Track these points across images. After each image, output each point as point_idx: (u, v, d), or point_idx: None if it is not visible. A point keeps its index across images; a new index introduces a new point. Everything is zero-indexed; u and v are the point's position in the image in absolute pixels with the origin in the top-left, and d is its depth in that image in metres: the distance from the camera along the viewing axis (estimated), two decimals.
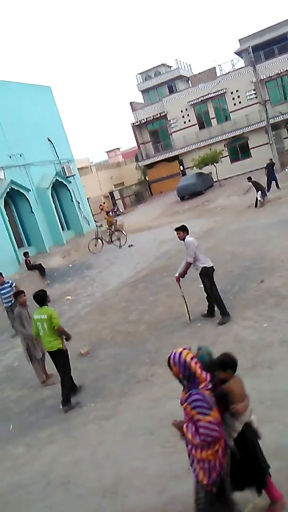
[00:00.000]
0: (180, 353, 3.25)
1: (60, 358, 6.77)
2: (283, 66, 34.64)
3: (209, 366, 3.36)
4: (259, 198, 19.78)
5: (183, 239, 8.02)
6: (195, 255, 7.87)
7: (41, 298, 6.92)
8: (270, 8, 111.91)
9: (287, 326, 6.85)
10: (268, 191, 21.81)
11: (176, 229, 8.17)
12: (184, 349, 3.30)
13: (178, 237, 8.13)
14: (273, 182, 22.85)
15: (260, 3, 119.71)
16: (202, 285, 8.30)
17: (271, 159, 24.47)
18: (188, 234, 8.07)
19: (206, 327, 7.81)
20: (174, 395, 5.89)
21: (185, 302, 8.41)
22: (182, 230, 8.07)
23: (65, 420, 6.32)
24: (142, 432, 5.32)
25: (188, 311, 8.37)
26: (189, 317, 8.32)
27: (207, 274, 8.01)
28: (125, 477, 4.60)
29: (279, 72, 34.87)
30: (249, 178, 21.07)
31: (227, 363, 3.52)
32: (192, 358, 3.23)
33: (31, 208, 18.75)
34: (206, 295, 8.28)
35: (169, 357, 3.27)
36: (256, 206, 19.78)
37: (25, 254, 16.52)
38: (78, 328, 10.40)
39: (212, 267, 8.11)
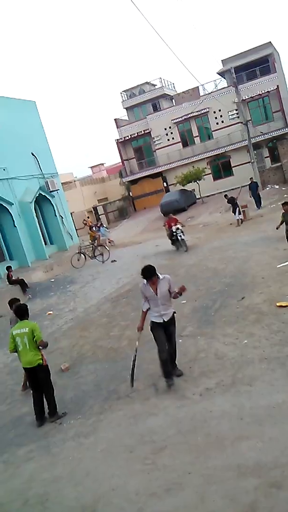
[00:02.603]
0: None
1: (42, 373, 6.63)
2: (265, 87, 35.47)
3: None
4: (236, 218, 20.07)
5: (155, 281, 6.34)
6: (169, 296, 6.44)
7: (23, 312, 6.79)
8: (253, 31, 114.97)
9: (267, 343, 6.92)
10: (258, 208, 22.30)
11: (147, 275, 6.32)
12: None
13: (151, 282, 6.35)
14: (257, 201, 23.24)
15: (242, 25, 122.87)
16: (158, 339, 6.50)
17: (252, 178, 24.85)
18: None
19: (187, 343, 7.83)
20: (155, 411, 5.92)
21: (135, 359, 6.80)
22: (153, 273, 6.32)
23: (43, 437, 6.23)
24: (122, 449, 5.29)
25: (133, 372, 6.75)
26: (133, 382, 6.71)
27: (175, 320, 6.71)
28: (104, 495, 4.55)
29: (260, 93, 35.68)
30: (226, 196, 21.41)
31: None
32: None
33: (13, 222, 18.66)
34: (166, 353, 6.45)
35: None
36: (237, 222, 20.10)
37: (8, 268, 16.38)
38: (59, 343, 10.32)
39: None
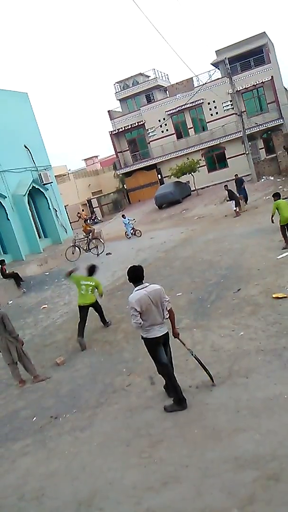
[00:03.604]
0: None
1: (98, 304, 9.43)
2: (259, 78, 35.32)
3: None
4: (233, 208, 20.08)
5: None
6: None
7: (94, 270, 9.43)
8: (247, 21, 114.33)
9: (263, 335, 6.89)
10: (246, 203, 22.14)
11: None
12: None
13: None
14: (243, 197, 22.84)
15: (237, 16, 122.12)
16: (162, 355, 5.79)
17: (236, 174, 23.77)
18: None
19: (183, 335, 7.76)
20: (151, 404, 5.88)
21: (199, 360, 6.00)
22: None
23: (39, 432, 6.18)
24: (118, 443, 5.25)
25: (208, 371, 5.94)
26: (212, 379, 5.88)
27: None
28: (100, 489, 4.52)
29: (255, 83, 35.54)
30: (226, 186, 21.32)
31: None
32: None
33: (7, 215, 18.49)
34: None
35: None
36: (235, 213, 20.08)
37: (1, 262, 16.25)
38: (54, 337, 10.27)
39: None
